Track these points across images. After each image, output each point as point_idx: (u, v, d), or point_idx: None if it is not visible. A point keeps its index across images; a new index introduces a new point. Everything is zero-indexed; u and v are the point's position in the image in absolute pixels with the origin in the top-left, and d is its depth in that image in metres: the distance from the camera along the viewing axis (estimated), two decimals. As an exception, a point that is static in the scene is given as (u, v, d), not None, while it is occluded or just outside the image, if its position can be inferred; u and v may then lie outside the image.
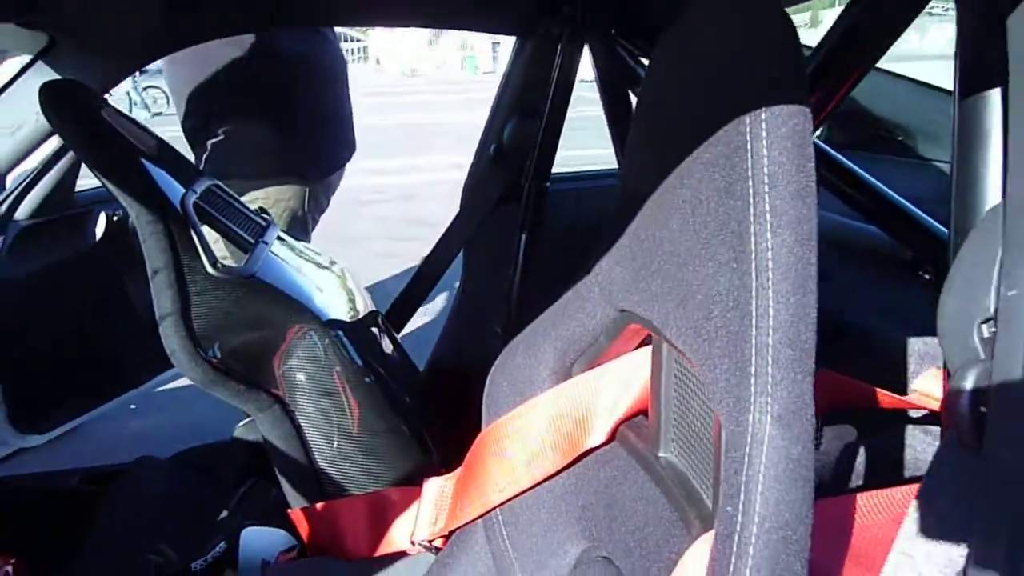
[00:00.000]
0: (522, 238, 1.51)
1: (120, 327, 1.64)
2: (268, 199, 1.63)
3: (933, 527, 0.42)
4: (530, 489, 0.75)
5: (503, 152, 1.51)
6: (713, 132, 0.43)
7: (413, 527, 0.91)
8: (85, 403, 1.79)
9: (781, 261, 0.39)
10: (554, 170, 1.57)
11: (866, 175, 1.11)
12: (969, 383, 0.32)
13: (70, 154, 1.61)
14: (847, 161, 1.11)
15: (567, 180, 1.66)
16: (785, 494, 0.38)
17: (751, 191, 0.40)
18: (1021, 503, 0.43)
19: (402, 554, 0.97)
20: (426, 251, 1.65)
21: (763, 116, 0.40)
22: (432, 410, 1.29)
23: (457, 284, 1.72)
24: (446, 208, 1.64)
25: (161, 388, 2.04)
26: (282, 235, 1.28)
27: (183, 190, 1.09)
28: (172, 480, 1.40)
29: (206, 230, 1.10)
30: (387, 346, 1.36)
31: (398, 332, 1.57)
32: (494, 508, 0.78)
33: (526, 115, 1.46)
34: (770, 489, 0.38)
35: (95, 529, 1.30)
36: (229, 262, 1.11)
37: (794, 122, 0.40)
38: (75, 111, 1.04)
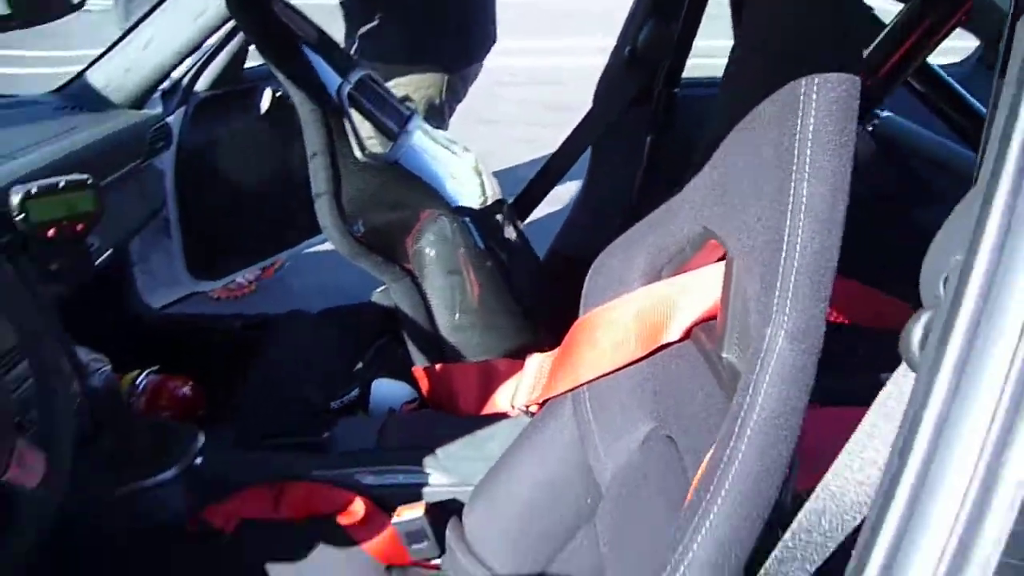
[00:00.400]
0: (648, 140, 1.57)
1: (282, 194, 1.84)
2: (410, 86, 1.75)
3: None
4: (613, 372, 0.87)
5: (637, 55, 1.55)
6: (778, 88, 0.50)
7: (514, 394, 1.06)
8: (250, 258, 2.04)
9: (812, 208, 0.47)
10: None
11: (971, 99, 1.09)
12: (917, 328, 0.38)
13: (240, 35, 1.78)
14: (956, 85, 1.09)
15: (697, 86, 1.68)
16: (784, 392, 0.47)
17: (796, 145, 0.47)
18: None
19: (503, 415, 1.13)
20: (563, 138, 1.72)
21: (816, 81, 0.47)
22: (544, 295, 1.41)
23: (583, 179, 1.81)
24: (588, 95, 1.69)
25: (312, 251, 2.28)
26: (422, 124, 1.40)
27: (339, 80, 1.22)
28: (318, 332, 1.62)
29: (356, 117, 1.24)
30: (510, 233, 1.49)
31: (524, 220, 1.68)
32: (582, 385, 0.91)
33: (662, 20, 1.49)
34: (773, 387, 0.47)
35: (255, 366, 1.54)
36: (376, 149, 1.25)
37: (842, 88, 0.46)
38: (250, 1, 1.19)
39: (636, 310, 0.84)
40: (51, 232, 1.12)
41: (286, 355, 1.57)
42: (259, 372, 1.52)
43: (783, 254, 0.48)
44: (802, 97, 0.47)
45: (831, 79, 0.46)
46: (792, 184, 0.47)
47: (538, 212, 1.82)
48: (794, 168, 0.47)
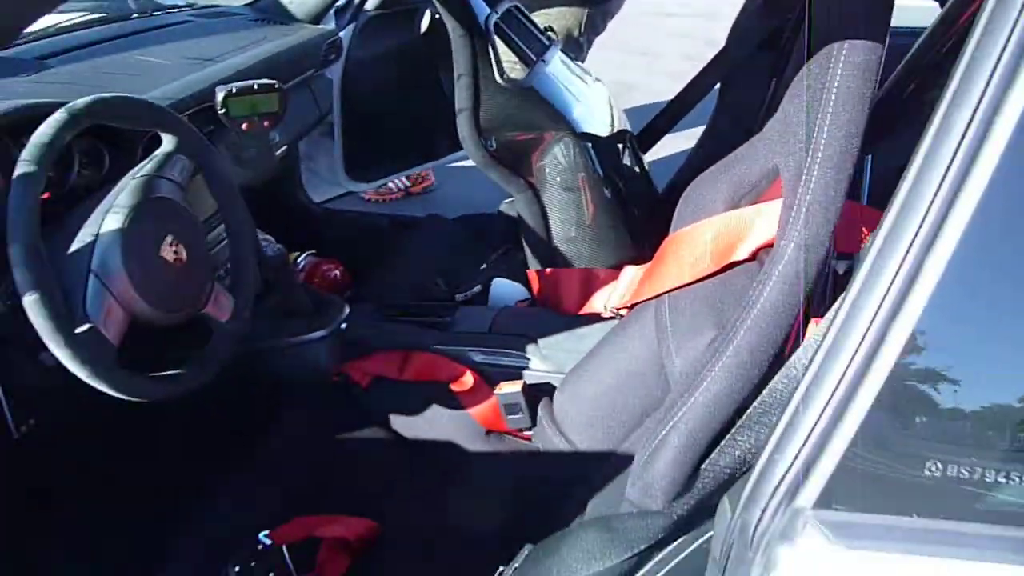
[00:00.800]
0: (771, 84, 1.63)
1: (432, 108, 2.04)
2: (551, 17, 1.87)
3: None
4: (690, 284, 1.01)
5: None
6: (819, 48, 0.61)
7: (608, 298, 1.22)
8: (400, 165, 2.27)
9: (829, 151, 0.59)
10: None
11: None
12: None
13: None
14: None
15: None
16: (786, 290, 0.60)
17: (823, 96, 0.59)
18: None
19: (597, 316, 1.29)
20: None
21: (845, 47, 0.58)
22: (656, 222, 1.55)
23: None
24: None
25: (454, 164, 2.48)
26: (559, 54, 1.54)
27: (488, 10, 1.38)
28: (451, 234, 1.83)
29: (500, 45, 1.40)
30: (630, 161, 1.62)
31: (646, 151, 1.80)
32: (663, 294, 1.06)
33: (799, -34, 1.53)
34: (777, 284, 0.61)
35: (396, 257, 1.78)
36: (515, 74, 1.41)
37: (866, 54, 0.57)
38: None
39: (714, 232, 0.97)
40: (244, 126, 1.37)
41: (423, 250, 1.80)
42: (399, 261, 1.76)
43: (801, 184, 0.61)
44: (833, 57, 0.58)
45: (857, 45, 0.57)
46: (815, 132, 0.60)
47: (666, 147, 1.92)
48: (819, 116, 0.59)
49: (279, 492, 1.22)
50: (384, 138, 2.17)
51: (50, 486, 1.20)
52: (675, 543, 0.68)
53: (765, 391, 0.60)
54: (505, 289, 1.51)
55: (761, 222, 0.92)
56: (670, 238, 1.07)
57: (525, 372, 1.29)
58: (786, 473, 0.47)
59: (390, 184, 2.80)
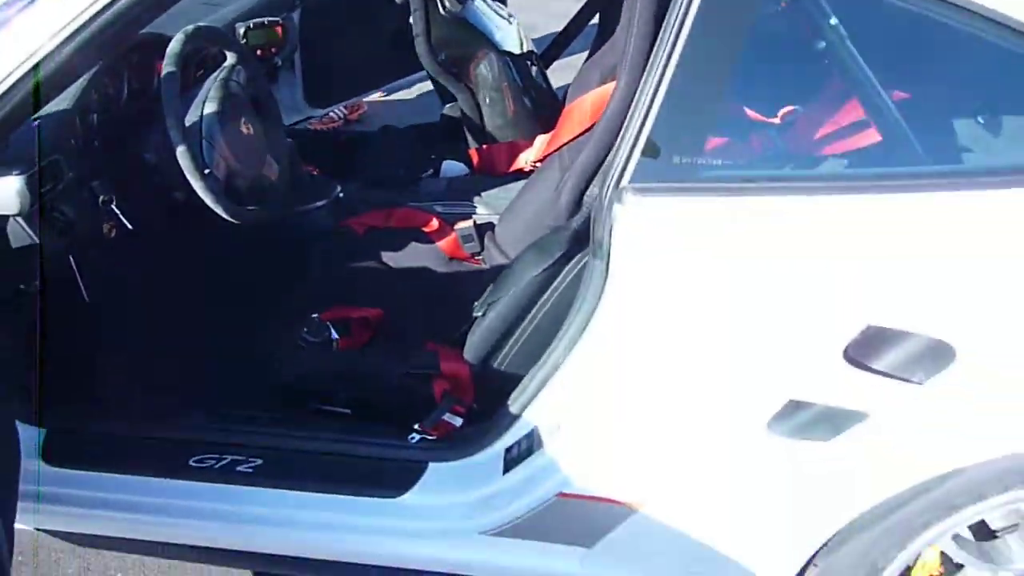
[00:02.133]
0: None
1: (383, 39, 2.53)
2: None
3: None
4: (578, 135, 1.61)
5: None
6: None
7: (527, 157, 1.83)
8: (353, 91, 2.77)
9: (633, 55, 1.20)
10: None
11: None
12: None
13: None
14: None
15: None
16: (617, 106, 1.23)
17: (634, 18, 1.20)
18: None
19: (521, 171, 1.91)
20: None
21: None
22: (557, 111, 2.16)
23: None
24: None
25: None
26: (484, -4, 2.12)
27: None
28: (404, 137, 2.39)
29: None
30: (536, 73, 2.22)
31: (548, 66, 2.40)
32: (563, 145, 1.65)
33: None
34: (612, 108, 1.24)
35: (366, 159, 2.31)
36: (452, 8, 1.98)
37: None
38: None
39: (591, 101, 1.58)
40: (259, 53, 1.89)
41: (383, 152, 2.35)
42: (367, 161, 2.30)
43: (625, 69, 1.22)
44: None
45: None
46: (631, 35, 1.20)
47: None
48: (632, 28, 1.20)
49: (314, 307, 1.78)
50: (338, 68, 2.68)
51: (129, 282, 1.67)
52: (578, 254, 1.28)
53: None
54: (452, 166, 2.10)
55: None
56: (566, 109, 1.68)
57: (474, 215, 1.90)
58: (618, 166, 1.08)
59: (331, 114, 3.30)
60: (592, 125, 1.57)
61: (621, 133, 1.15)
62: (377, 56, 2.54)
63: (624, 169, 1.10)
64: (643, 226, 1.10)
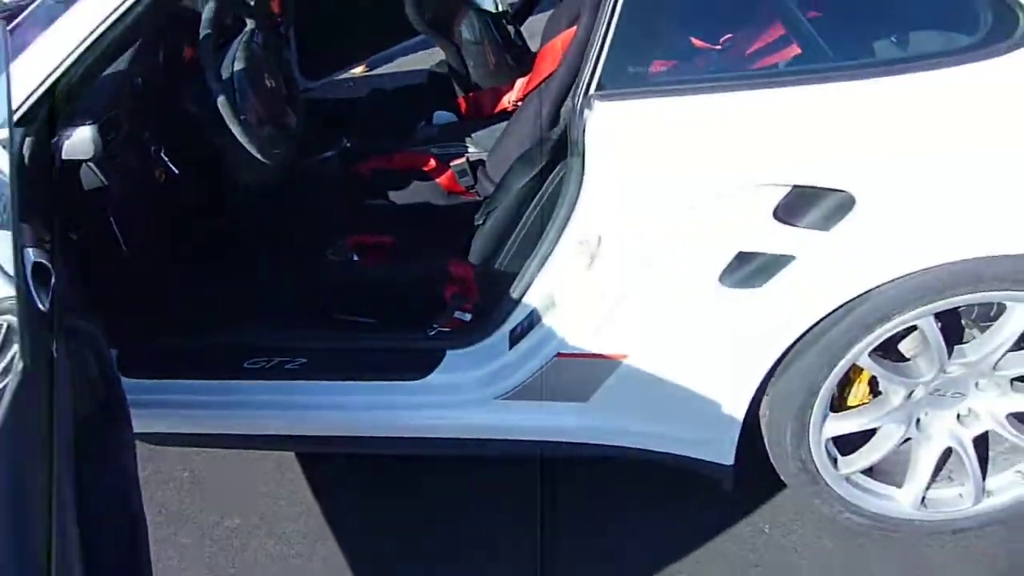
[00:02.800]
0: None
1: (369, 9, 2.77)
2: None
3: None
4: (551, 73, 1.89)
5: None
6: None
7: (510, 97, 2.11)
8: (344, 63, 3.02)
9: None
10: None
11: None
12: None
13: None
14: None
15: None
16: (582, 35, 1.50)
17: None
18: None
19: (504, 111, 2.19)
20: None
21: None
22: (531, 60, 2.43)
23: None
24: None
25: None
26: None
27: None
28: (395, 95, 2.65)
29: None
30: (511, 29, 2.50)
31: (521, 24, 2.67)
32: (540, 82, 1.93)
33: None
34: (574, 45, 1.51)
35: (359, 114, 2.57)
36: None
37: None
38: None
39: (560, 41, 1.86)
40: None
41: (377, 110, 2.62)
42: (363, 119, 2.56)
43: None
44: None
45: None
46: None
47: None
48: None
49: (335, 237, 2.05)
50: (328, 41, 2.93)
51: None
52: (559, 162, 1.56)
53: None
54: (442, 115, 2.38)
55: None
56: (540, 52, 1.95)
57: (466, 154, 2.17)
58: (585, 80, 1.37)
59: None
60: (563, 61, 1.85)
61: (586, 54, 1.43)
62: (364, 30, 2.79)
63: (590, 82, 1.38)
64: (609, 124, 1.39)
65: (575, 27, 1.78)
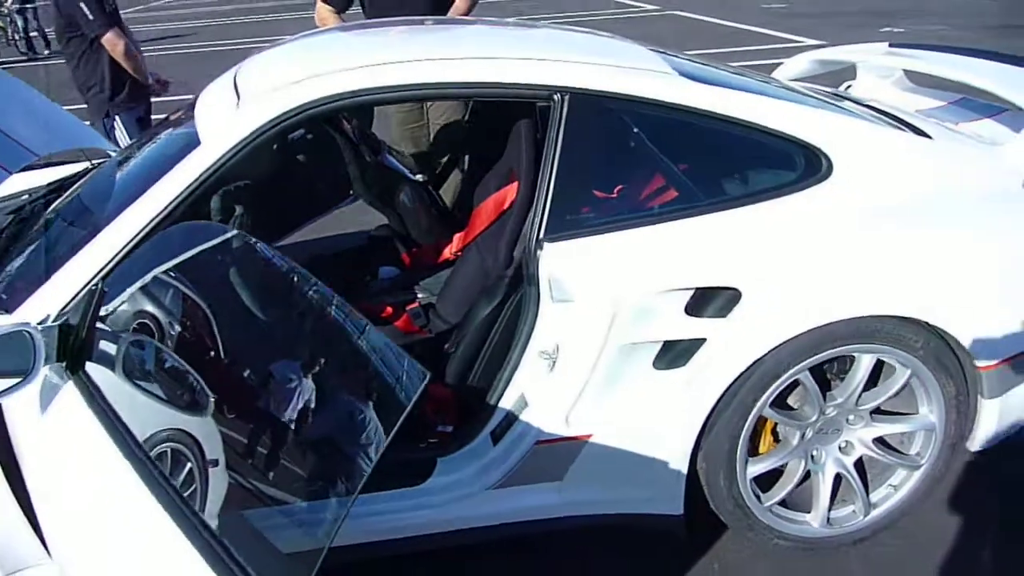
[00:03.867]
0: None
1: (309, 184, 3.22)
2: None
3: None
4: (486, 228, 2.38)
5: None
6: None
7: (451, 249, 2.58)
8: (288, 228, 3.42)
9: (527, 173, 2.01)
10: None
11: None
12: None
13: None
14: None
15: None
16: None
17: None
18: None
19: (446, 261, 2.64)
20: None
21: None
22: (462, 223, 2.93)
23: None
24: None
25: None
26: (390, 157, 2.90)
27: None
28: (339, 259, 3.06)
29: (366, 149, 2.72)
30: (436, 197, 3.00)
31: (438, 190, 3.19)
32: (476, 236, 2.41)
33: None
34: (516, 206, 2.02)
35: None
36: (374, 159, 2.74)
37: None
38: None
39: (492, 202, 2.36)
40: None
41: (325, 268, 3.00)
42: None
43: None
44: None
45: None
46: (519, 156, 2.00)
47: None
48: (521, 150, 2.00)
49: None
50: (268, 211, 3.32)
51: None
52: (514, 293, 2.01)
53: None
54: (387, 271, 2.80)
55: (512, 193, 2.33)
56: (475, 211, 2.44)
57: (418, 299, 2.59)
58: (536, 228, 1.84)
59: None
60: (497, 217, 2.34)
61: (532, 209, 1.92)
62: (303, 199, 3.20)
63: (539, 229, 1.87)
64: (555, 260, 1.86)
65: (505, 189, 2.29)
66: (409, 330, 2.56)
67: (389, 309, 2.58)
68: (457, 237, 2.62)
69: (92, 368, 1.51)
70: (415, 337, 2.56)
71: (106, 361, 1.53)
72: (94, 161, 2.68)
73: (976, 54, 2.76)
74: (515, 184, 2.25)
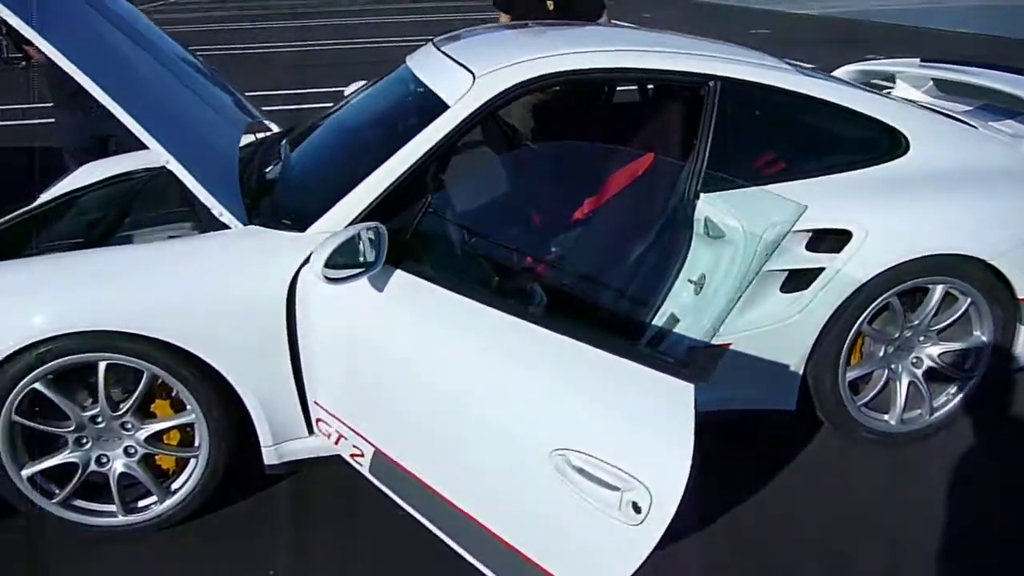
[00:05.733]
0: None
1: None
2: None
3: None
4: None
5: None
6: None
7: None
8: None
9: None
10: None
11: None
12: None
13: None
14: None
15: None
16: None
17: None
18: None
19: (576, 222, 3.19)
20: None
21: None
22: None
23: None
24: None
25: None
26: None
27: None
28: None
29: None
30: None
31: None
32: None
33: None
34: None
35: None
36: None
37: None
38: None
39: (627, 172, 2.92)
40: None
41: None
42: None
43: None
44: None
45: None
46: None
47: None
48: None
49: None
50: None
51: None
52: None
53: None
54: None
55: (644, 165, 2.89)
56: (607, 180, 2.99)
57: (552, 252, 3.13)
58: (692, 185, 2.42)
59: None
60: (631, 183, 2.89)
61: (686, 170, 2.49)
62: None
63: (697, 183, 2.45)
64: (709, 207, 2.44)
65: (635, 164, 2.84)
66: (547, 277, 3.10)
67: (529, 259, 3.11)
68: (588, 201, 3.18)
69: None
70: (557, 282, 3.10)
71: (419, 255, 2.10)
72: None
73: (994, 67, 3.44)
74: (648, 157, 2.81)
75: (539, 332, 1.87)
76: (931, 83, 3.60)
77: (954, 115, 2.99)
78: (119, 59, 2.44)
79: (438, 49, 2.76)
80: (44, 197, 3.30)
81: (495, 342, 1.96)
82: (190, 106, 2.76)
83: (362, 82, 3.63)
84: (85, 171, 3.40)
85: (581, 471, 1.66)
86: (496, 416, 1.88)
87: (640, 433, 1.70)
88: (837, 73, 3.70)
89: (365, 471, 2.20)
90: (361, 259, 2.04)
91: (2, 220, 3.13)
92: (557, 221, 3.28)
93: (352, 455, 2.23)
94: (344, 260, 2.03)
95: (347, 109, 3.09)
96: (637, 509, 1.58)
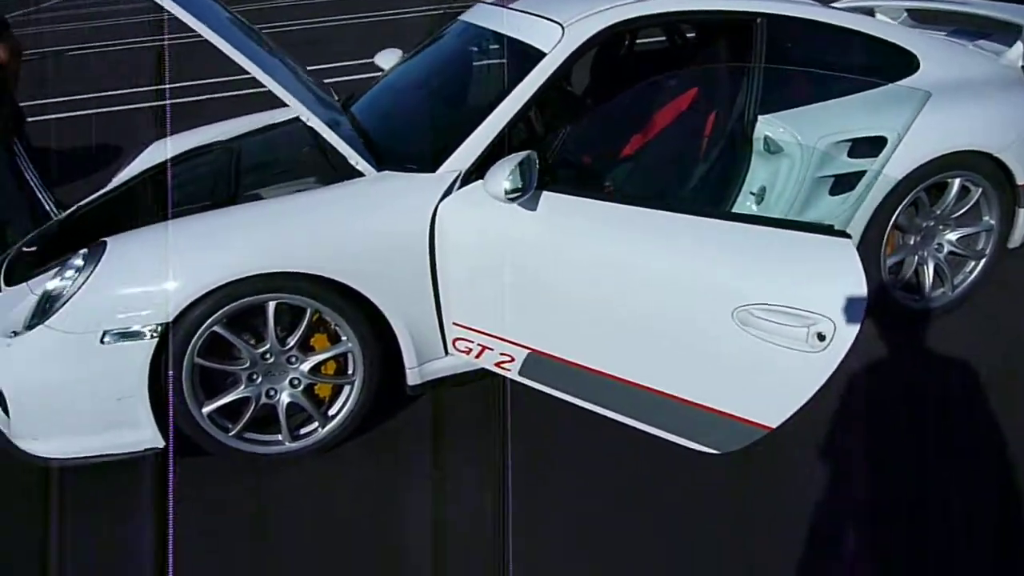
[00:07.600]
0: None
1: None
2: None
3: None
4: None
5: None
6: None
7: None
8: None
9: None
10: None
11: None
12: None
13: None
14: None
15: None
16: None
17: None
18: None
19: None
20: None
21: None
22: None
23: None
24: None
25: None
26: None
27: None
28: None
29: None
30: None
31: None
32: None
33: None
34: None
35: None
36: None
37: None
38: None
39: (673, 108, 3.29)
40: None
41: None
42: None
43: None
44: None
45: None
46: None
47: None
48: None
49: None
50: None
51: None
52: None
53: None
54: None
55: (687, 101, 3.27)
56: (656, 115, 3.36)
57: (606, 187, 3.49)
58: (750, 110, 2.81)
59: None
60: (675, 118, 3.27)
61: (742, 96, 2.88)
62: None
63: (755, 107, 2.84)
64: (767, 126, 2.84)
65: (679, 100, 3.21)
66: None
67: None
68: (635, 138, 3.54)
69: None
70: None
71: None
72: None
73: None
74: (692, 92, 3.19)
75: (693, 220, 2.25)
76: (905, 15, 4.08)
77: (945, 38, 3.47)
78: (239, 37, 2.66)
79: (506, 7, 3.06)
80: (121, 178, 3.48)
81: (659, 232, 2.31)
82: (293, 73, 2.99)
83: (394, 49, 3.89)
84: (152, 150, 3.58)
85: (764, 320, 2.05)
86: (675, 292, 2.22)
87: (817, 279, 2.08)
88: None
89: (513, 374, 2.54)
90: (522, 183, 2.33)
91: (88, 200, 3.31)
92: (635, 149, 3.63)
93: (498, 363, 2.56)
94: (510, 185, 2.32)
95: (414, 67, 3.37)
96: (821, 338, 1.98)
